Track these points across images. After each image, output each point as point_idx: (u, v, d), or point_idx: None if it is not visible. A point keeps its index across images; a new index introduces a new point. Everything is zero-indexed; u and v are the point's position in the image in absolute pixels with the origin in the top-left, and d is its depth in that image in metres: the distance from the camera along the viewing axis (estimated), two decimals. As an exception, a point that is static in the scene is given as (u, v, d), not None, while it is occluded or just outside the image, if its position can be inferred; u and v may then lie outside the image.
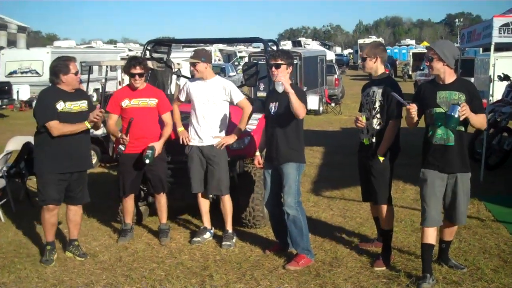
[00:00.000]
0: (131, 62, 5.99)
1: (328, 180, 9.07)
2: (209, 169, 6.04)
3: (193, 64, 6.04)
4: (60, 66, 5.48)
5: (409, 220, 6.74)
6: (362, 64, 5.50)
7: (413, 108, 4.76)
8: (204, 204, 6.25)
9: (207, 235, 6.22)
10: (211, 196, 6.31)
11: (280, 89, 5.16)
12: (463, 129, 4.78)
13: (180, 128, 6.17)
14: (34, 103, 6.94)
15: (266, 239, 6.21)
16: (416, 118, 4.83)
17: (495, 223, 6.64)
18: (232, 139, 6.04)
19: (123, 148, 6.09)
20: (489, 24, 8.65)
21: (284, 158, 5.40)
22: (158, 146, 5.99)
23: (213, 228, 6.34)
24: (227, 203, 6.14)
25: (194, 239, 6.17)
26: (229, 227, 6.18)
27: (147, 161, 5.86)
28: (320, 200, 7.90)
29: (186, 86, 6.20)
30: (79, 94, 5.68)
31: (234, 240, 6.10)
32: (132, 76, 5.98)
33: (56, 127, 5.40)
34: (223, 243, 6.03)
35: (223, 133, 6.08)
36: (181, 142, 6.10)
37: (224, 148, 6.06)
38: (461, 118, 4.56)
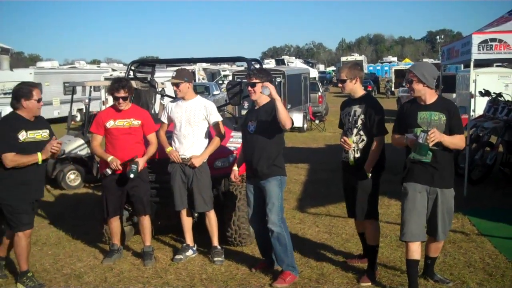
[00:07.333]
0: (114, 85, 5.94)
1: (313, 197, 9.09)
2: (192, 187, 6.03)
3: (176, 84, 6.05)
4: (23, 90, 5.28)
5: (394, 235, 6.76)
6: (342, 86, 5.46)
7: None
8: (187, 222, 6.23)
9: (190, 253, 6.20)
10: (196, 215, 6.30)
11: (266, 92, 5.18)
12: (441, 147, 4.78)
13: (169, 149, 6.10)
14: None
15: (252, 257, 6.19)
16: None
17: (480, 237, 6.69)
18: (200, 160, 6.00)
19: (110, 172, 5.96)
20: (468, 41, 8.74)
21: (266, 174, 5.40)
22: (142, 161, 5.96)
23: (195, 245, 6.31)
24: (212, 218, 6.14)
25: (177, 256, 6.15)
26: (216, 243, 6.18)
27: (131, 175, 5.80)
28: (306, 217, 7.91)
29: (167, 107, 6.22)
30: (40, 123, 5.46)
31: (223, 255, 6.09)
32: (116, 99, 5.97)
33: (12, 159, 5.14)
34: (215, 259, 6.02)
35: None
36: (171, 160, 6.05)
37: (206, 165, 6.07)
38: (430, 145, 4.60)
